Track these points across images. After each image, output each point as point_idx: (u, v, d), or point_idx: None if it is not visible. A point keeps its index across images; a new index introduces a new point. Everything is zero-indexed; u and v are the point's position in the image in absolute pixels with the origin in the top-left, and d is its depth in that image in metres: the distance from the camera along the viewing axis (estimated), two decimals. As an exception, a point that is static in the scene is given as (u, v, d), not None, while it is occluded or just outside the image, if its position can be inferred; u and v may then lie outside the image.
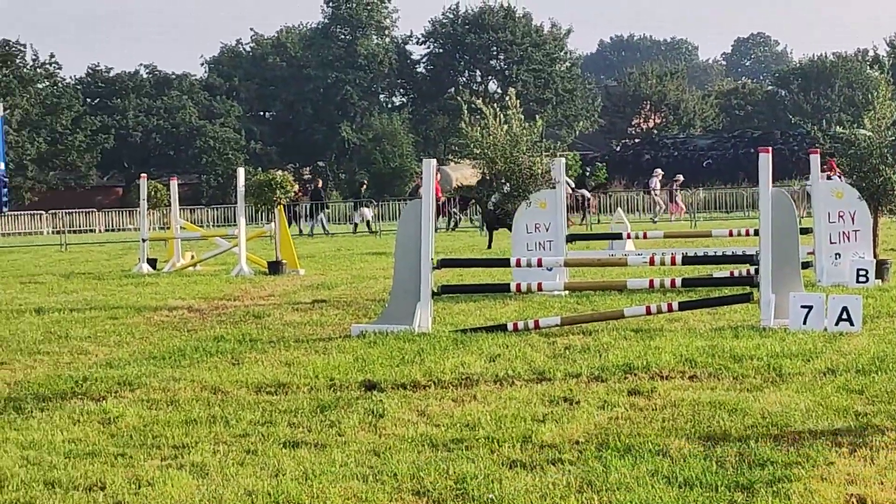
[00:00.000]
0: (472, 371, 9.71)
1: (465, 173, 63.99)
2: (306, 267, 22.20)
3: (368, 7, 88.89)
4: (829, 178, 27.04)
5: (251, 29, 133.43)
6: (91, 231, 54.85)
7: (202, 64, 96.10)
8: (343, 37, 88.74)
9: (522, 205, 16.53)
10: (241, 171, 22.80)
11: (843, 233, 16.52)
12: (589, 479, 6.37)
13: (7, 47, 76.98)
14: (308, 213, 45.71)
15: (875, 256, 16.41)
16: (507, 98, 16.88)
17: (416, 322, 12.14)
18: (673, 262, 13.52)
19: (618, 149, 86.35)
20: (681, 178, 51.33)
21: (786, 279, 11.97)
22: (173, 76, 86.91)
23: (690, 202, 50.43)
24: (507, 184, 16.29)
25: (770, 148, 12.41)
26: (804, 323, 11.45)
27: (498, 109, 16.55)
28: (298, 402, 8.65)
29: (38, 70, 79.62)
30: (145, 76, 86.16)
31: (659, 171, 51.57)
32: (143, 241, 23.90)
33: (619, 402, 8.33)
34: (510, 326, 12.03)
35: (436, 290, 12.70)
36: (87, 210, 57.88)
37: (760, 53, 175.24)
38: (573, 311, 13.65)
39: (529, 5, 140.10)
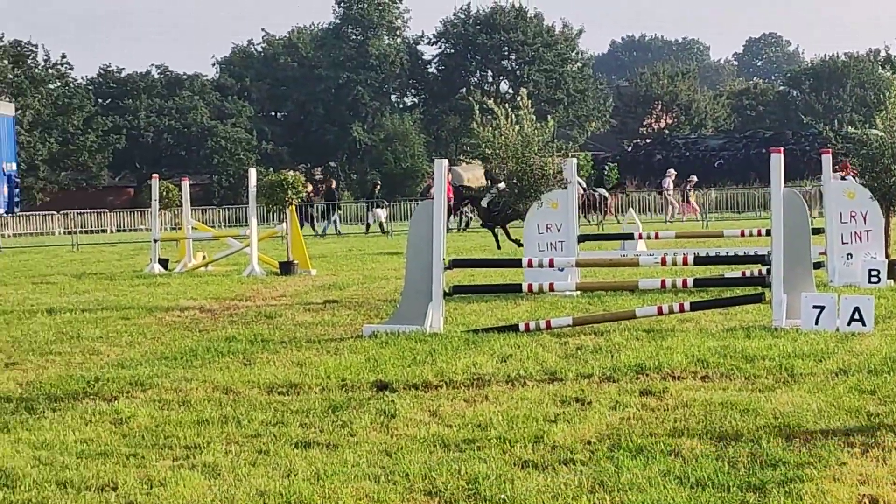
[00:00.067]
0: (483, 371, 9.71)
1: (476, 174, 63.94)
2: (318, 267, 22.22)
3: (380, 7, 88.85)
4: (843, 178, 26.90)
5: (262, 29, 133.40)
6: (103, 231, 54.88)
7: (213, 64, 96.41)
8: (354, 37, 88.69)
9: (534, 205, 16.53)
10: (252, 172, 22.85)
11: (855, 233, 16.50)
12: (601, 479, 6.37)
13: (19, 48, 77.02)
14: (321, 213, 45.68)
15: (887, 256, 16.38)
16: (519, 98, 16.86)
17: (427, 322, 12.14)
18: (685, 263, 13.50)
19: (629, 149, 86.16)
20: (694, 178, 51.26)
21: (798, 279, 11.95)
22: (184, 76, 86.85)
23: (702, 202, 50.35)
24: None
25: (782, 148, 12.41)
26: (816, 323, 11.43)
27: (509, 110, 16.53)
28: (310, 403, 8.66)
29: (50, 70, 79.58)
30: (157, 76, 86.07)
31: (672, 171, 51.48)
32: (155, 241, 23.94)
33: (631, 402, 8.32)
34: (522, 327, 12.03)
35: (447, 291, 12.70)
36: (99, 210, 57.84)
37: (772, 53, 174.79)
38: (585, 312, 13.64)
39: (541, 6, 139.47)
